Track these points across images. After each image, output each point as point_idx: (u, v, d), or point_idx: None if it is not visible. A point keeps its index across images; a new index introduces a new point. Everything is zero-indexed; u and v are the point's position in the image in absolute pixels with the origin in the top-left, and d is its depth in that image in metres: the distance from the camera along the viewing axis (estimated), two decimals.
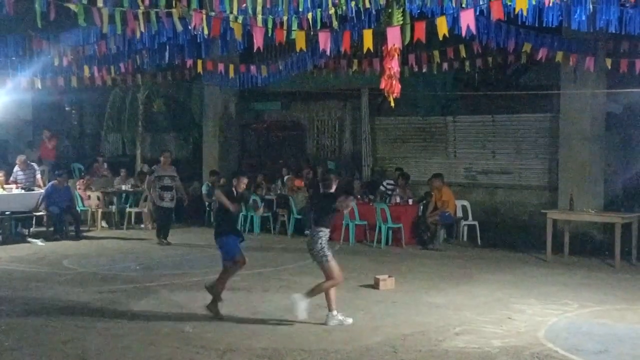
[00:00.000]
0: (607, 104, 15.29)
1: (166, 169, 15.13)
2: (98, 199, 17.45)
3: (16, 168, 16.45)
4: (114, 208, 17.91)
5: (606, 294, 10.36)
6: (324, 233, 8.75)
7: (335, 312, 8.54)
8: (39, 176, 16.76)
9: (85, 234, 16.23)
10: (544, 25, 9.56)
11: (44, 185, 16.54)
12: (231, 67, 14.50)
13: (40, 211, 15.81)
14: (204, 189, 18.69)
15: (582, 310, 9.38)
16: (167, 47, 13.02)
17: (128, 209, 17.91)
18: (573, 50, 12.95)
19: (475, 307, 9.41)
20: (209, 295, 9.04)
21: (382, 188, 16.74)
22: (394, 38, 8.69)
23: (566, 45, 12.96)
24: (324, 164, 19.89)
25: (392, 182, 16.77)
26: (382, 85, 9.19)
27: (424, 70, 15.04)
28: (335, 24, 10.26)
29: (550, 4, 8.83)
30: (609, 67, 13.07)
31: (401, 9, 9.35)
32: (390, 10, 9.36)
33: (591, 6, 9.08)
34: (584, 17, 9.22)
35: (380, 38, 9.30)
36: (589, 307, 9.56)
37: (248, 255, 12.46)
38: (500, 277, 11.55)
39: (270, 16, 10.18)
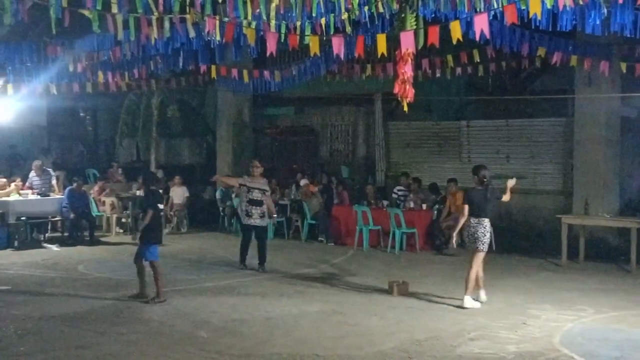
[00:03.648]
0: (621, 108, 15.22)
1: (257, 181, 12.64)
2: (113, 204, 17.52)
3: (32, 173, 16.54)
4: (128, 213, 17.95)
5: (622, 300, 10.29)
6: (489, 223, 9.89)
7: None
8: (54, 182, 16.83)
9: (99, 239, 16.28)
10: (558, 29, 9.53)
11: (60, 190, 16.63)
12: (245, 72, 14.53)
13: (67, 217, 15.86)
14: (218, 194, 18.76)
15: (597, 316, 9.33)
16: (181, 53, 13.06)
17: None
18: (587, 54, 12.91)
19: (490, 313, 9.37)
20: (222, 301, 9.03)
21: (393, 195, 16.73)
22: (407, 43, 8.68)
23: (580, 49, 12.92)
24: (337, 168, 19.94)
25: (402, 188, 16.76)
26: (396, 90, 9.17)
27: (438, 74, 15.03)
28: (348, 29, 10.26)
29: (565, 8, 8.80)
30: (624, 71, 13.01)
31: (414, 14, 9.33)
32: (403, 15, 9.34)
33: (605, 10, 9.04)
34: (598, 21, 9.18)
35: (393, 43, 9.29)
36: (604, 312, 9.51)
37: None
38: (514, 283, 11.50)
39: (284, 21, 10.19)
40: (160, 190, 18.05)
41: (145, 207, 10.08)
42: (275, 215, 13.69)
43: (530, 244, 15.22)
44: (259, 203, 12.45)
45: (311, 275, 12.20)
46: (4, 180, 16.20)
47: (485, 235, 9.80)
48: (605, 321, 9.09)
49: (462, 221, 9.97)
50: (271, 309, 9.50)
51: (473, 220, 9.85)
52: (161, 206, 10.12)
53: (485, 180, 9.96)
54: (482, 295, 10.02)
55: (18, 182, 16.12)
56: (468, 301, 9.68)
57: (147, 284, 10.05)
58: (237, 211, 13.04)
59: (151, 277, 10.00)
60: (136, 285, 10.26)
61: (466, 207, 9.91)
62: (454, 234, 10.13)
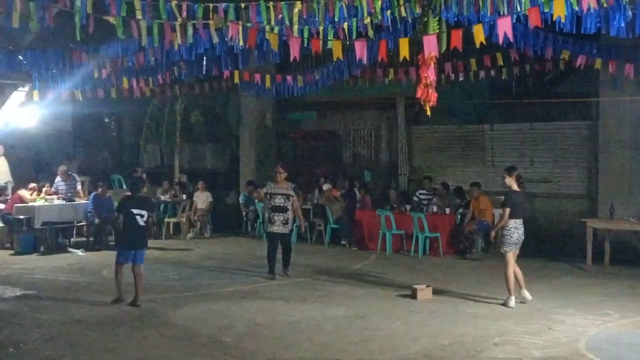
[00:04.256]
0: None
1: (280, 186, 12.21)
2: None
3: (57, 178, 16.69)
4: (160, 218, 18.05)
5: None
6: None
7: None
8: (79, 187, 16.98)
9: None
10: (582, 32, 9.47)
11: (85, 196, 16.77)
12: (267, 77, 14.59)
13: (92, 222, 16.00)
14: (241, 199, 18.82)
15: (623, 321, 9.24)
16: (204, 59, 13.14)
17: (167, 219, 18.06)
18: (612, 57, 12.82)
19: (514, 317, 9.32)
20: (245, 305, 9.06)
21: (415, 199, 16.69)
22: (430, 46, 8.68)
23: (605, 52, 12.82)
24: (360, 173, 19.93)
25: (424, 192, 16.72)
26: (419, 94, 9.17)
27: (461, 78, 15.00)
28: (371, 33, 10.27)
29: (589, 11, 8.74)
30: None
31: (437, 17, 9.33)
32: (426, 19, 9.35)
33: (630, 12, 8.98)
34: (623, 24, 9.11)
35: (416, 47, 9.29)
36: (630, 317, 9.41)
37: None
38: (539, 287, 11.41)
39: (307, 26, 10.22)
40: (187, 196, 18.33)
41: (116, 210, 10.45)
42: (302, 228, 13.64)
43: (555, 248, 15.11)
44: (282, 209, 12.07)
45: (334, 280, 12.20)
46: (34, 185, 16.38)
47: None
48: (631, 326, 9.00)
49: (502, 224, 10.13)
50: (294, 314, 9.51)
51: (517, 223, 10.11)
52: (139, 211, 9.90)
53: (521, 180, 10.30)
54: (512, 301, 10.14)
55: (47, 187, 16.29)
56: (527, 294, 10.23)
57: (139, 287, 10.05)
58: (263, 219, 12.71)
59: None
60: (155, 290, 10.33)
61: (508, 210, 10.03)
62: (493, 235, 10.49)
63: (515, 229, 10.08)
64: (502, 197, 16.58)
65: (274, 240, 12.22)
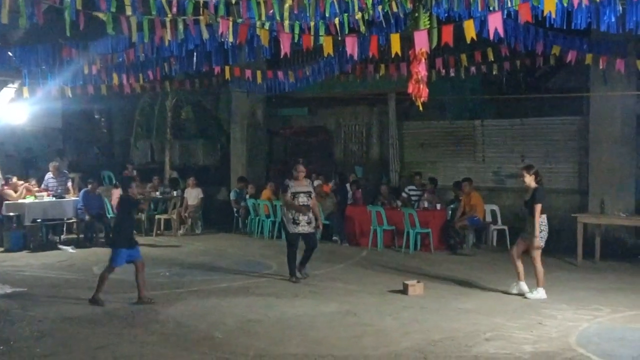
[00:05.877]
0: (637, 106, 15.12)
1: (301, 184, 11.75)
2: None
3: (48, 175, 16.61)
4: (143, 215, 17.99)
5: (639, 299, 10.22)
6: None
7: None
8: (70, 184, 16.90)
9: None
10: (573, 27, 9.48)
11: (75, 192, 16.70)
12: (258, 73, 14.54)
13: (82, 218, 15.94)
14: (232, 195, 18.80)
15: (614, 315, 9.27)
16: (195, 54, 13.09)
17: (157, 216, 18.01)
18: (603, 52, 12.83)
19: (506, 313, 9.34)
20: (237, 301, 9.05)
21: (404, 194, 16.68)
22: (421, 42, 8.66)
23: (595, 47, 12.85)
24: (351, 168, 19.93)
25: (414, 187, 16.72)
26: (410, 90, 9.16)
27: (452, 74, 14.99)
28: (362, 28, 10.25)
29: (580, 6, 8.75)
30: None
31: (428, 13, 9.32)
32: (417, 14, 9.34)
33: (620, 7, 8.99)
34: (613, 19, 9.14)
35: (407, 42, 9.28)
36: (621, 312, 9.45)
37: (276, 260, 12.58)
38: (530, 282, 11.41)
39: (297, 22, 10.19)
40: (177, 193, 18.29)
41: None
42: (320, 226, 12.70)
43: (546, 243, 15.10)
44: (306, 209, 11.60)
45: (325, 276, 12.19)
46: (17, 181, 16.28)
47: None
48: (622, 320, 9.03)
49: (539, 220, 10.30)
50: (286, 310, 9.50)
51: (545, 218, 10.39)
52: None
53: (539, 177, 10.50)
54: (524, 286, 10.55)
55: (32, 184, 16.20)
56: (542, 292, 10.32)
57: (140, 285, 10.08)
58: (282, 219, 12.11)
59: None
60: (146, 287, 10.30)
61: (540, 205, 10.25)
62: (538, 235, 10.37)
63: (546, 225, 10.39)
64: (491, 192, 16.81)
65: (296, 242, 11.70)
